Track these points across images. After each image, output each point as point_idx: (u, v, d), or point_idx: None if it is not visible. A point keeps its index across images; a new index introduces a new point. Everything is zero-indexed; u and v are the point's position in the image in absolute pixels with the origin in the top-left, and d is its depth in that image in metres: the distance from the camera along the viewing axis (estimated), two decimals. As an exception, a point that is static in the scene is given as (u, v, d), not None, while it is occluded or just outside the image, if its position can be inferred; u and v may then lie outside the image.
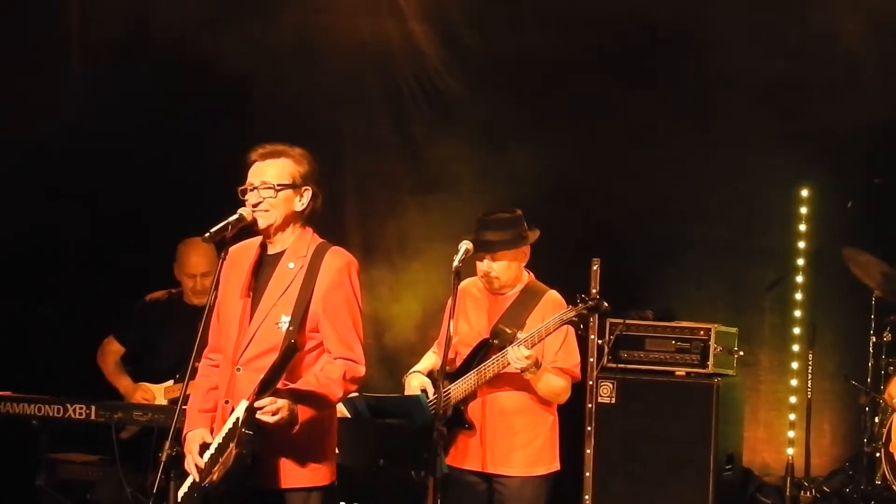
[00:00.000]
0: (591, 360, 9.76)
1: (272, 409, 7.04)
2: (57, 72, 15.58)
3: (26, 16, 15.93)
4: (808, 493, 13.52)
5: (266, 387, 7.10)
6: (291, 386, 7.41)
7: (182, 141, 14.32)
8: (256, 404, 7.12)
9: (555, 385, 9.26)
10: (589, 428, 10.07)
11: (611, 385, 12.24)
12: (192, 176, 12.97)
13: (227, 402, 7.53)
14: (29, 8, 15.98)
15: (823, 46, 15.02)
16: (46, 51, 15.90)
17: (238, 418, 7.17)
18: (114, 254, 13.98)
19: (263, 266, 7.81)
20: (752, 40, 15.29)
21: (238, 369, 7.64)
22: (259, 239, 7.80)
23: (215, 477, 7.39)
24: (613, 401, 12.25)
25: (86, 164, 15.04)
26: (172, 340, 9.69)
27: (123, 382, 11.54)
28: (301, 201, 7.58)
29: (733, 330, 13.61)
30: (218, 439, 7.48)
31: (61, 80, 15.65)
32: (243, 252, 7.84)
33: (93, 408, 11.18)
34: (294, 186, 7.56)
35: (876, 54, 14.86)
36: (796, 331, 14.08)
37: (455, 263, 9.10)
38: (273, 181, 7.52)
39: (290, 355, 7.19)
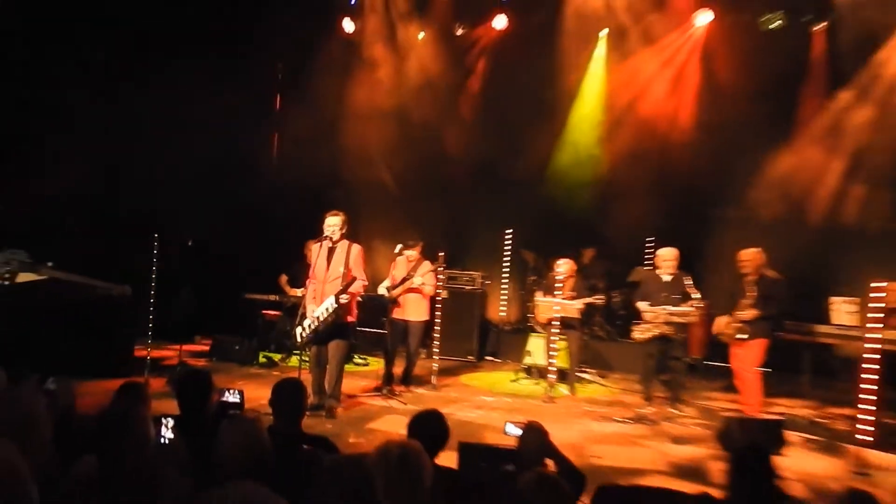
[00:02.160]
0: (439, 283, 10.01)
1: (346, 298, 7.82)
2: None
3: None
4: (509, 326, 13.44)
5: (344, 291, 7.90)
6: (350, 290, 8.02)
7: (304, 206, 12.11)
8: (340, 296, 7.71)
9: (429, 290, 9.62)
10: (439, 305, 10.32)
11: (446, 293, 11.26)
12: (299, 220, 11.14)
13: (323, 298, 8.12)
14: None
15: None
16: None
17: (331, 303, 7.88)
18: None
19: (331, 251, 8.27)
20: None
21: (326, 285, 8.12)
22: (327, 240, 8.27)
23: (324, 321, 7.95)
24: (447, 296, 11.24)
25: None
26: (304, 275, 9.21)
27: (288, 288, 11.52)
28: (343, 230, 8.23)
29: (486, 273, 12.89)
30: (320, 309, 8.12)
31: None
32: (321, 244, 8.30)
33: (278, 297, 11.54)
34: (343, 225, 8.17)
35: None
36: (505, 275, 13.80)
37: (396, 252, 9.70)
38: (337, 223, 8.12)
39: (352, 282, 7.93)
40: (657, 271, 9.58)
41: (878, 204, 11.35)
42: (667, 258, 9.49)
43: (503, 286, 13.69)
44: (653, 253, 12.29)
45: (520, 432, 4.54)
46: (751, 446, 4.15)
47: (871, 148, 11.40)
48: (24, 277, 9.51)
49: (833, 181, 11.59)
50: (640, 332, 9.42)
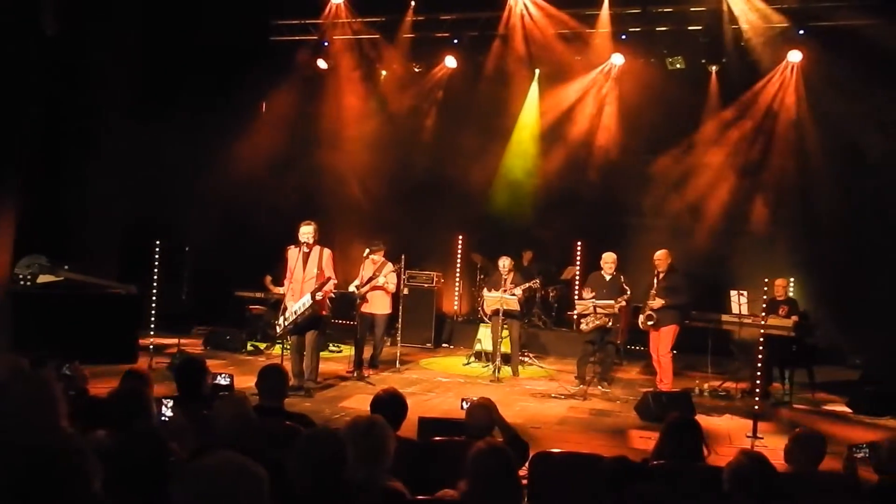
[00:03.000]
0: (402, 281, 10.04)
1: (320, 295, 7.70)
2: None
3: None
4: (461, 318, 13.26)
5: (319, 289, 7.75)
6: (324, 289, 7.88)
7: (285, 217, 11.30)
8: (315, 294, 7.62)
9: (392, 287, 9.51)
10: (401, 299, 10.29)
11: (407, 290, 11.32)
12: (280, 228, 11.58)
13: (300, 295, 7.98)
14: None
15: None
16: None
17: (307, 300, 7.75)
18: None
19: (306, 256, 8.13)
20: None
21: (302, 284, 8.00)
22: (303, 246, 8.13)
23: (302, 315, 7.84)
24: (408, 292, 11.45)
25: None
26: (284, 276, 9.23)
27: (271, 287, 11.28)
28: (315, 237, 8.07)
29: (441, 273, 12.52)
30: (298, 305, 8.03)
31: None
32: (299, 249, 8.13)
33: (263, 294, 11.43)
34: (315, 233, 8.05)
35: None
36: (457, 274, 13.48)
37: (364, 255, 9.58)
38: (310, 231, 8.00)
39: (326, 282, 7.77)
40: (601, 272, 9.69)
41: (768, 210, 11.63)
42: (607, 260, 9.67)
43: (456, 284, 13.60)
44: (580, 255, 12.48)
45: None
46: (684, 418, 4.21)
47: (756, 164, 11.70)
48: (43, 279, 9.48)
49: (728, 192, 11.83)
50: (585, 325, 9.53)
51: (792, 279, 10.53)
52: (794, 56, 11.12)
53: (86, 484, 1.65)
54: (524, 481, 3.99)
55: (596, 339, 9.53)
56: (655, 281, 9.23)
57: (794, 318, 9.13)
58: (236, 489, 1.91)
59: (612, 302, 9.31)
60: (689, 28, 11.36)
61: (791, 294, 10.27)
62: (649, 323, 9.18)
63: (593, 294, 9.48)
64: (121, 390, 3.75)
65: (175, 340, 10.19)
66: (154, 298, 9.49)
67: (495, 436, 4.31)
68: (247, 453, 2.13)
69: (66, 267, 9.67)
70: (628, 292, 9.38)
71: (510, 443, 4.21)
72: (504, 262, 10.32)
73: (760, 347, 7.79)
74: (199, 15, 11.59)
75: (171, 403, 4.05)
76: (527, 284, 10.32)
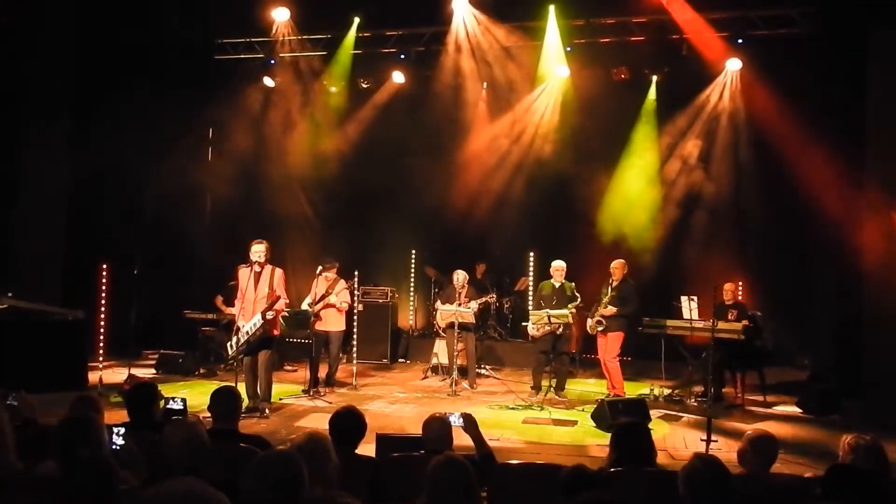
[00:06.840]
0: (356, 299, 10.00)
1: (271, 314, 7.59)
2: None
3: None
4: (416, 332, 13.31)
5: (269, 308, 7.62)
6: (275, 307, 7.80)
7: (234, 236, 12.00)
8: (266, 313, 7.53)
9: (344, 305, 9.51)
10: (356, 316, 10.24)
11: (362, 306, 11.16)
12: (230, 249, 10.31)
13: (252, 315, 7.90)
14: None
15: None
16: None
17: (258, 320, 7.65)
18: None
19: (258, 275, 8.03)
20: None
21: (254, 304, 7.91)
22: (254, 265, 8.02)
23: (254, 335, 7.77)
24: (363, 308, 11.28)
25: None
26: (234, 296, 9.13)
27: (223, 308, 11.13)
28: (267, 255, 7.98)
29: (395, 288, 12.49)
30: (249, 325, 7.95)
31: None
32: (250, 269, 8.02)
33: (215, 315, 11.27)
34: (266, 252, 7.97)
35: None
36: (412, 289, 13.60)
37: (317, 273, 9.50)
38: (262, 251, 7.92)
39: (276, 300, 7.66)
40: (551, 280, 9.78)
41: (714, 215, 11.84)
42: (556, 268, 9.74)
43: (410, 298, 13.58)
44: (533, 265, 12.55)
45: (460, 421, 4.49)
46: (631, 423, 4.24)
47: (703, 169, 11.95)
48: (-15, 308, 9.23)
49: (674, 198, 12.09)
50: (535, 330, 9.60)
51: (740, 283, 10.71)
52: (734, 64, 11.39)
53: None
54: (483, 494, 3.97)
55: (548, 347, 9.60)
56: (608, 289, 9.38)
57: (745, 321, 9.27)
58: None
59: (565, 312, 9.40)
60: (632, 39, 11.59)
61: (740, 297, 10.45)
62: (599, 328, 9.34)
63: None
64: (69, 418, 3.67)
65: (125, 365, 10.00)
66: (102, 323, 9.34)
67: (452, 450, 4.29)
68: (200, 478, 2.10)
69: (10, 294, 9.45)
70: (579, 299, 9.50)
71: (482, 459, 4.21)
72: (458, 276, 10.35)
73: (711, 351, 7.90)
74: (144, 30, 11.46)
75: (122, 431, 3.96)
76: (483, 299, 10.38)
